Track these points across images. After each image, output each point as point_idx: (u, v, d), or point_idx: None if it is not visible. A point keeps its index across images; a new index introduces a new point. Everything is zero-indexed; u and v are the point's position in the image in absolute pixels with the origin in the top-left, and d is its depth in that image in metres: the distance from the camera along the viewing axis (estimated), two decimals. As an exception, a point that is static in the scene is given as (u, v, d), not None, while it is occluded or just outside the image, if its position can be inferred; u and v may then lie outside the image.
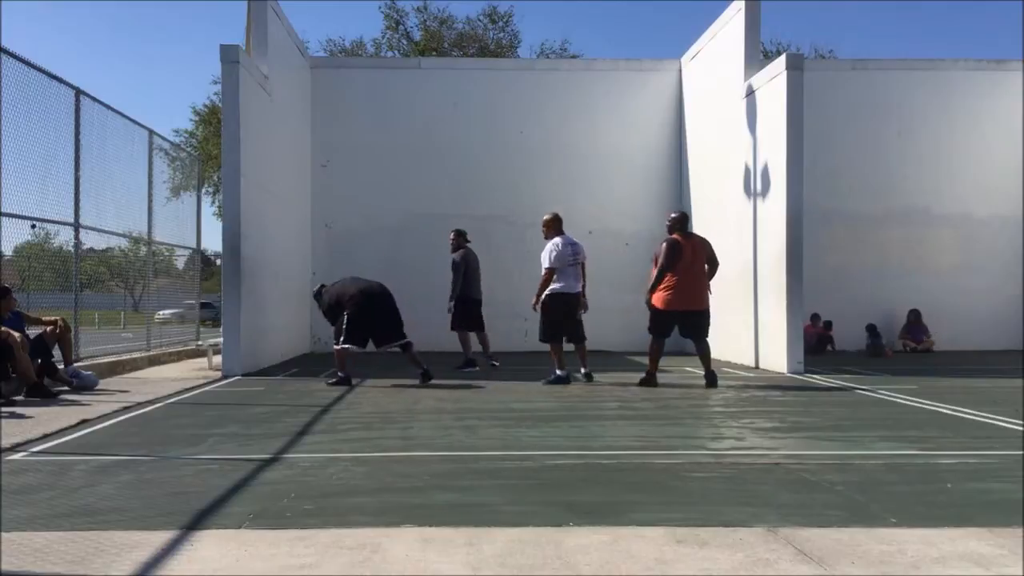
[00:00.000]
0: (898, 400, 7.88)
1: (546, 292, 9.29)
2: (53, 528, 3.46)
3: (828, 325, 14.38)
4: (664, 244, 8.96)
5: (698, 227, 14.64)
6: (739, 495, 4.08)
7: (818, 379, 9.84)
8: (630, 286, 14.69)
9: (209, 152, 25.77)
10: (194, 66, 76.46)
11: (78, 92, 10.10)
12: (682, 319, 8.93)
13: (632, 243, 15.22)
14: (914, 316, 14.89)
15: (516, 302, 15.14)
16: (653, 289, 8.95)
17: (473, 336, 11.37)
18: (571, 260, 9.28)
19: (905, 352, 14.45)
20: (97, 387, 8.65)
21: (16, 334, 7.84)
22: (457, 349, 11.60)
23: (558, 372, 9.13)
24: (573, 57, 29.27)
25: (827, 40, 49.57)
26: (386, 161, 15.18)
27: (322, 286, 9.52)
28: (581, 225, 15.37)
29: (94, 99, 10.60)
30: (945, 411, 7.08)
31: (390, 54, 29.92)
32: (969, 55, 23.95)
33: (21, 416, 6.66)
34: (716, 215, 13.60)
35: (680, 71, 15.66)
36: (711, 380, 8.84)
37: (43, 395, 7.85)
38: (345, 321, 8.93)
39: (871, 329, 14.27)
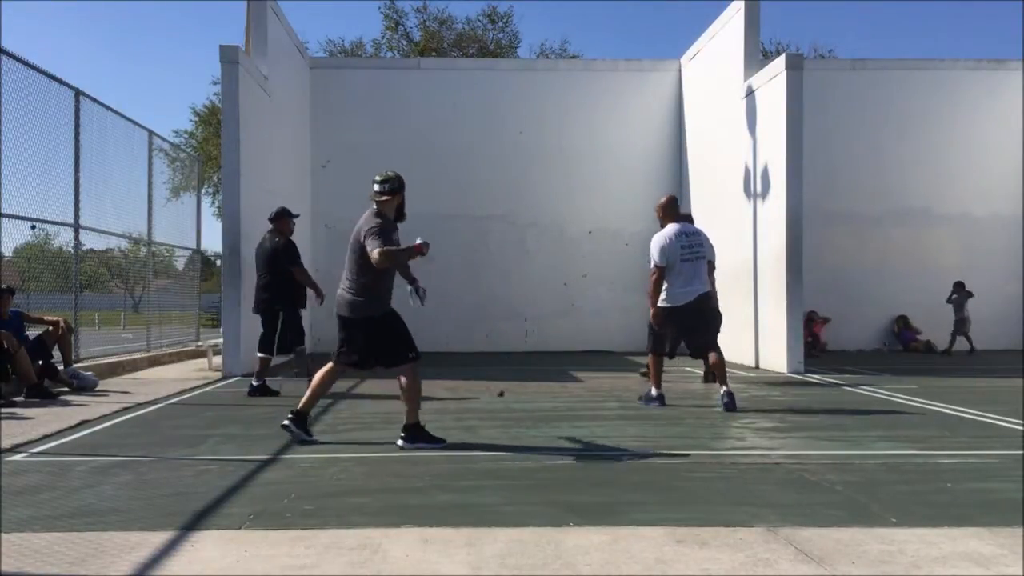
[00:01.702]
0: (898, 400, 7.88)
1: (658, 303, 7.38)
2: (53, 529, 3.46)
3: (811, 322, 13.95)
4: None
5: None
6: (739, 495, 4.08)
7: (818, 379, 9.84)
8: (630, 286, 14.72)
9: (209, 152, 25.77)
10: (194, 66, 76.47)
11: (78, 93, 10.10)
12: None
13: (632, 243, 15.19)
14: (903, 322, 14.92)
15: (516, 302, 15.19)
16: None
17: None
18: (684, 254, 7.28)
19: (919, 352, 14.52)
20: (97, 388, 8.64)
21: (4, 335, 7.79)
22: (460, 349, 11.58)
23: (651, 392, 7.47)
24: (573, 57, 29.26)
25: (827, 40, 49.57)
26: (386, 161, 15.00)
27: None
28: (581, 225, 15.45)
29: (94, 100, 10.60)
30: (945, 411, 7.08)
31: (390, 54, 29.92)
32: (969, 55, 23.95)
33: (21, 417, 6.66)
34: (716, 215, 13.59)
35: (680, 71, 15.66)
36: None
37: (43, 396, 7.85)
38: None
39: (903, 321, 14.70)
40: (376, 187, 5.64)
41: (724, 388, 7.23)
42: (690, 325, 7.32)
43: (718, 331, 7.59)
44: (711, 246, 7.65)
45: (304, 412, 5.57)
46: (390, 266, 5.33)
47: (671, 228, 7.40)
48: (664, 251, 7.27)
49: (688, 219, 8.18)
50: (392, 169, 5.95)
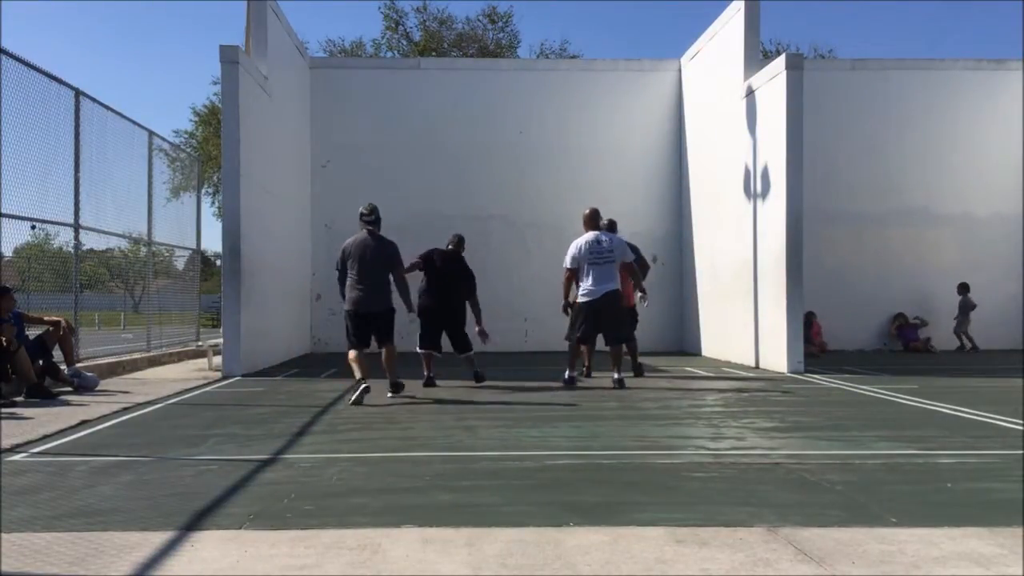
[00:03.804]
0: (898, 400, 7.88)
1: (574, 297, 9.01)
2: (53, 529, 3.46)
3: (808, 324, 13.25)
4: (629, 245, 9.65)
5: (698, 227, 14.67)
6: (739, 495, 4.08)
7: (818, 379, 9.84)
8: (630, 286, 14.74)
9: (209, 152, 25.78)
10: (194, 66, 76.49)
11: (78, 93, 10.10)
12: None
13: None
14: (902, 319, 14.92)
15: (516, 302, 15.17)
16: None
17: None
18: (593, 259, 8.77)
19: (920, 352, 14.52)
20: (97, 388, 8.64)
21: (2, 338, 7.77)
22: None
23: (566, 374, 8.97)
24: (573, 57, 29.26)
25: (827, 40, 49.55)
26: (386, 161, 15.17)
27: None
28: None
29: (94, 100, 10.60)
30: (945, 411, 7.08)
31: (389, 54, 29.92)
32: (969, 55, 23.94)
33: (21, 417, 6.66)
34: (716, 215, 13.60)
35: (680, 71, 15.65)
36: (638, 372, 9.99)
37: (43, 396, 7.85)
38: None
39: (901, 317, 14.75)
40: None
41: (616, 374, 8.74)
42: (599, 318, 8.78)
43: (624, 323, 9.18)
44: (625, 250, 9.01)
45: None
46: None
47: (584, 236, 8.90)
48: (574, 258, 8.85)
49: (612, 227, 9.60)
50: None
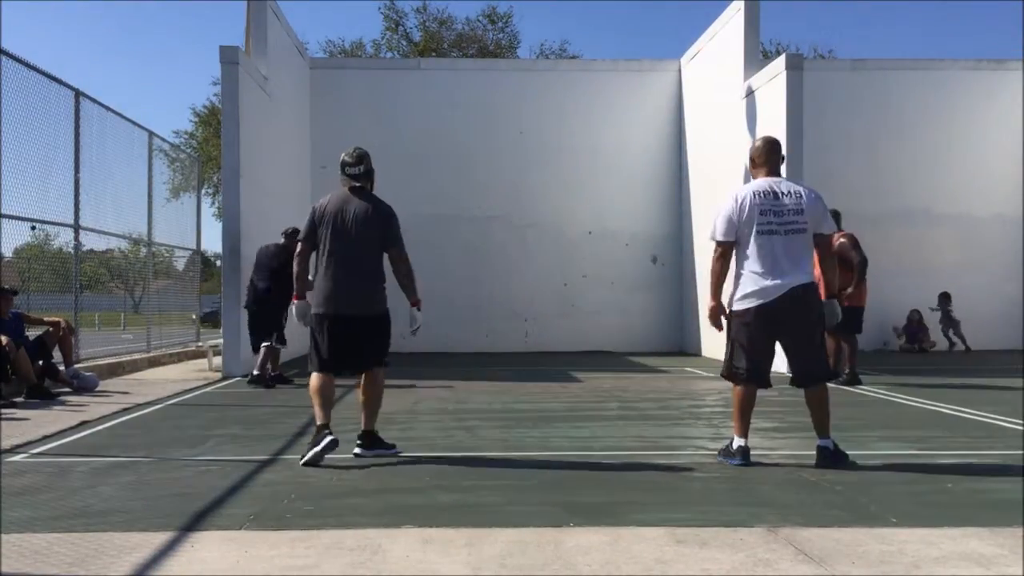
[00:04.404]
0: (898, 400, 7.88)
1: (732, 302, 4.91)
2: (53, 530, 3.46)
3: None
4: (847, 239, 8.88)
5: (698, 227, 14.67)
6: (739, 495, 4.08)
7: (818, 379, 9.82)
8: (630, 286, 14.73)
9: (209, 153, 25.78)
10: (194, 67, 76.58)
11: (78, 93, 10.09)
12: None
13: (631, 243, 15.21)
14: (917, 316, 14.88)
15: (516, 303, 15.18)
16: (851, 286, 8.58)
17: None
18: (766, 225, 4.73)
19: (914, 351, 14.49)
20: (97, 388, 8.64)
21: (3, 338, 7.76)
22: (460, 349, 11.53)
23: (734, 444, 4.87)
24: (572, 58, 29.26)
25: (827, 40, 49.59)
26: (385, 162, 14.99)
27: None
28: (581, 225, 15.43)
29: (94, 100, 10.60)
30: (945, 411, 7.08)
31: (389, 55, 29.93)
32: (969, 55, 23.95)
33: (21, 418, 6.65)
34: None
35: (680, 71, 15.64)
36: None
37: (43, 396, 7.84)
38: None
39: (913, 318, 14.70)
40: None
41: (820, 440, 4.98)
42: (780, 334, 4.95)
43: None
44: (824, 212, 4.85)
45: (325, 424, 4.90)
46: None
47: (751, 184, 5.03)
48: (730, 221, 4.82)
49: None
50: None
